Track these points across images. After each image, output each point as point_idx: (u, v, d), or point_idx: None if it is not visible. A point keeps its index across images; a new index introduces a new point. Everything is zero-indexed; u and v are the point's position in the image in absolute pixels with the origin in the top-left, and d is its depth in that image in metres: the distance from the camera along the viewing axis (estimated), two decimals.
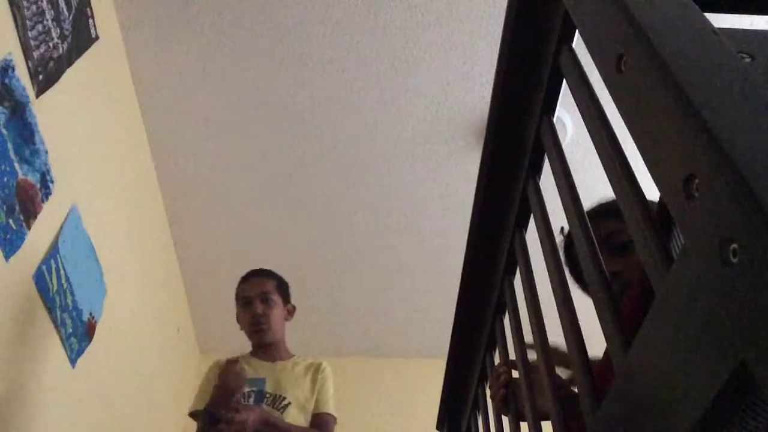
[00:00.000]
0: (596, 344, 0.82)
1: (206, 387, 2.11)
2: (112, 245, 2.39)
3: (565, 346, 0.84)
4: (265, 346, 2.19)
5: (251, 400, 2.04)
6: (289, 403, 2.04)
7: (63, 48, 1.94)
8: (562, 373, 1.08)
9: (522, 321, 1.16)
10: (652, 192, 0.60)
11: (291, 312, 2.28)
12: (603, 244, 0.79)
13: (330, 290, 3.48)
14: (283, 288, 2.27)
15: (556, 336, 0.95)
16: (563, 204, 0.87)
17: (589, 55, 0.70)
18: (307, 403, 2.09)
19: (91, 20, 2.14)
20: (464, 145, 2.84)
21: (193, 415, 2.09)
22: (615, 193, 0.68)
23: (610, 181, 0.69)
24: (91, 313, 2.17)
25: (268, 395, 2.04)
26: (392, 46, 2.50)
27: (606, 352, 0.85)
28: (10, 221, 1.67)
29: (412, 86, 2.64)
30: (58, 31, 1.91)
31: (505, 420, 1.29)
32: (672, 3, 0.58)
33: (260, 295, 2.19)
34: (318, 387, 2.13)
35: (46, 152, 1.85)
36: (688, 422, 0.48)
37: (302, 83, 2.64)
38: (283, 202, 3.11)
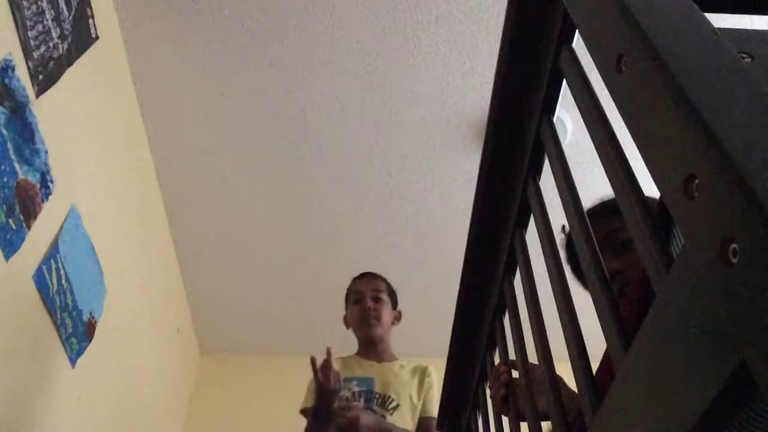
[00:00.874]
0: (596, 344, 0.82)
1: (312, 386, 2.12)
2: (112, 245, 2.39)
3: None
4: (372, 345, 2.21)
5: (361, 399, 2.06)
6: (398, 405, 2.06)
7: (63, 48, 1.94)
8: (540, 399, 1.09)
9: (522, 321, 1.16)
10: (652, 192, 0.60)
11: (398, 317, 2.33)
12: (603, 243, 0.79)
13: (330, 290, 3.46)
14: (392, 291, 2.33)
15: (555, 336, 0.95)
16: (563, 204, 0.87)
17: (589, 55, 0.70)
18: (415, 405, 2.11)
19: (91, 20, 2.14)
20: (464, 145, 2.84)
21: (303, 412, 2.11)
22: (615, 193, 0.68)
23: (610, 181, 0.69)
24: (91, 313, 2.17)
25: (377, 395, 2.05)
26: (392, 46, 2.50)
27: (606, 352, 0.85)
28: (10, 221, 1.67)
29: (412, 86, 2.64)
30: (58, 31, 1.91)
31: (505, 420, 1.29)
32: (672, 3, 0.58)
33: (372, 292, 2.25)
34: (425, 390, 2.15)
35: (46, 152, 1.85)
36: (688, 422, 0.48)
37: (302, 83, 2.64)
38: (283, 202, 3.11)
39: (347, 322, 2.32)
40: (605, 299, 0.72)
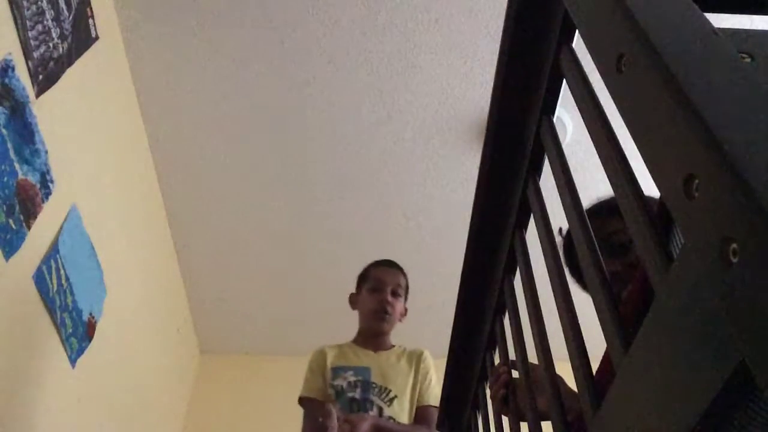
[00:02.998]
0: (596, 344, 0.82)
1: (309, 376, 2.13)
2: (112, 245, 2.39)
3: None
4: (375, 337, 2.18)
5: (358, 389, 2.03)
6: (396, 396, 2.03)
7: (63, 48, 1.94)
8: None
9: (522, 321, 1.16)
10: (652, 192, 0.60)
11: (404, 314, 2.29)
12: (602, 245, 0.79)
13: (330, 290, 3.47)
14: (408, 289, 2.29)
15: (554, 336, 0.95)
16: (563, 204, 0.86)
17: (589, 55, 0.70)
18: (413, 395, 2.09)
19: (91, 20, 2.14)
20: (464, 145, 2.84)
21: (302, 401, 2.10)
22: (615, 193, 0.68)
23: (610, 181, 0.69)
24: (91, 313, 2.17)
25: (374, 386, 2.03)
26: (392, 46, 2.50)
27: (606, 352, 0.85)
28: (10, 221, 1.67)
29: (412, 86, 2.64)
30: (58, 31, 1.91)
31: (505, 420, 1.29)
32: (672, 3, 0.58)
33: (394, 286, 2.20)
34: (421, 377, 2.13)
35: (46, 152, 1.85)
36: (688, 422, 0.48)
37: (302, 83, 2.64)
38: (283, 201, 3.11)
39: (354, 303, 2.26)
40: (605, 299, 0.72)
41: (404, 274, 2.28)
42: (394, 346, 2.23)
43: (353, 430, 1.82)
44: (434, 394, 2.10)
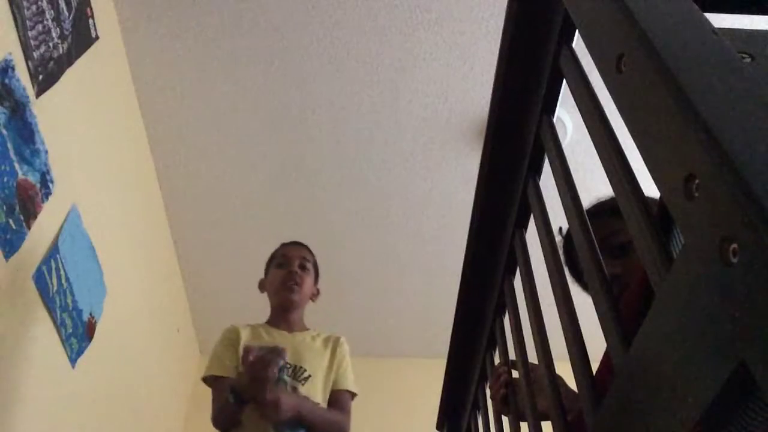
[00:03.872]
0: (596, 344, 0.82)
1: (222, 352, 2.03)
2: (112, 245, 2.39)
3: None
4: (286, 313, 2.14)
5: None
6: (309, 376, 1.99)
7: (63, 48, 1.94)
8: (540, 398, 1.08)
9: (522, 321, 1.16)
10: (652, 192, 0.60)
11: (316, 294, 2.26)
12: (601, 246, 0.79)
13: (329, 290, 3.47)
14: (317, 267, 2.27)
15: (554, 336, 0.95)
16: (563, 204, 0.87)
17: (589, 55, 0.70)
18: (327, 376, 2.05)
19: (91, 20, 2.14)
20: (464, 145, 2.84)
21: (206, 380, 2.02)
22: (615, 193, 0.68)
23: (610, 181, 0.69)
24: (91, 313, 2.17)
25: (288, 365, 1.99)
26: (392, 46, 2.50)
27: (606, 352, 0.85)
28: (10, 221, 1.67)
29: (412, 86, 2.64)
30: (58, 31, 1.91)
31: (505, 420, 1.29)
32: (672, 3, 0.58)
33: (300, 259, 2.19)
34: (337, 361, 2.09)
35: (46, 152, 1.85)
36: (689, 422, 0.48)
37: (302, 83, 2.64)
38: (282, 202, 3.11)
39: (263, 286, 2.22)
40: (605, 299, 0.72)
41: (311, 252, 2.26)
42: (309, 329, 2.19)
43: (275, 402, 1.75)
44: (350, 379, 2.07)
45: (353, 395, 2.07)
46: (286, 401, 1.78)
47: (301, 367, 1.99)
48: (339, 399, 2.03)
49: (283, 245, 2.28)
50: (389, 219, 3.17)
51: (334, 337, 2.16)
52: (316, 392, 1.97)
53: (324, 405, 1.99)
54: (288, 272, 2.14)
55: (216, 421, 1.93)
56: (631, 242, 0.63)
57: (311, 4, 2.39)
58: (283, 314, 2.14)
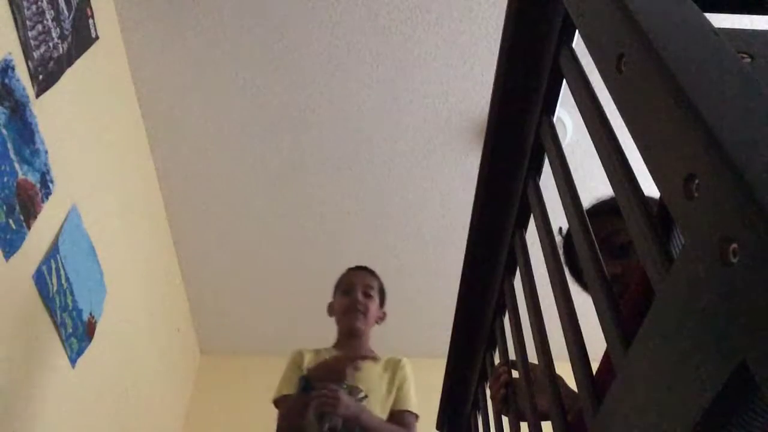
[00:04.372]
0: (596, 344, 0.82)
1: (289, 375, 2.11)
2: (112, 245, 2.39)
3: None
4: (352, 338, 2.17)
5: None
6: (366, 396, 2.01)
7: (63, 48, 1.94)
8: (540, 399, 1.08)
9: (522, 321, 1.16)
10: (652, 192, 0.60)
11: (382, 317, 2.30)
12: (601, 246, 0.79)
13: (330, 291, 3.47)
14: (383, 290, 2.31)
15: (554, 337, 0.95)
16: (563, 204, 0.87)
17: (589, 55, 0.70)
18: (386, 398, 2.07)
19: (91, 20, 2.14)
20: (464, 145, 2.84)
21: (276, 402, 2.08)
22: (615, 193, 0.68)
23: (610, 181, 0.69)
24: (91, 313, 2.17)
25: (344, 386, 2.02)
26: (392, 46, 2.50)
27: (606, 352, 0.85)
28: (10, 221, 1.67)
29: (412, 86, 2.64)
30: (58, 31, 1.91)
31: (505, 420, 1.29)
32: (672, 3, 0.58)
33: (364, 287, 2.23)
34: (398, 383, 2.12)
35: (46, 152, 1.85)
36: (688, 422, 0.48)
37: (302, 83, 2.64)
38: (282, 201, 3.11)
39: (331, 310, 2.29)
40: (605, 299, 0.72)
41: (376, 277, 2.31)
42: (374, 353, 2.20)
43: (336, 397, 1.81)
44: (412, 401, 2.10)
45: (416, 417, 2.09)
46: (346, 399, 1.84)
47: (357, 388, 2.02)
48: (400, 418, 2.05)
49: (349, 271, 2.33)
50: (389, 219, 3.17)
51: (395, 360, 2.20)
52: (372, 411, 1.99)
53: None
54: (352, 300, 2.19)
55: (281, 428, 1.98)
56: (632, 242, 0.63)
57: (311, 4, 2.39)
58: (349, 339, 2.19)
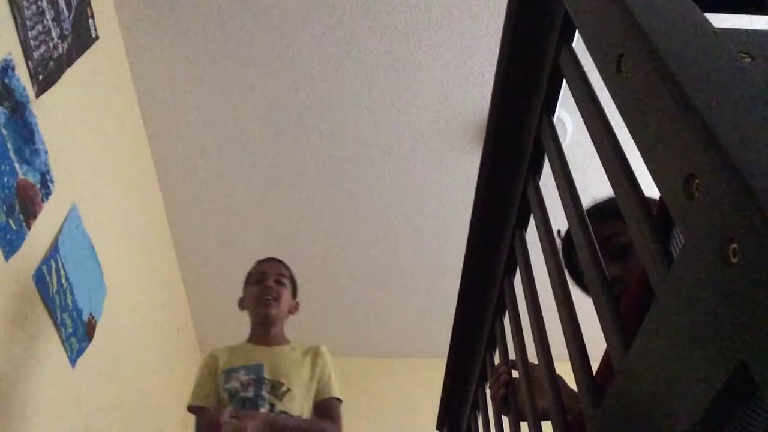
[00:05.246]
0: (596, 344, 0.82)
1: (201, 380, 2.10)
2: (112, 245, 2.39)
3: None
4: (265, 327, 2.16)
5: (250, 388, 2.00)
6: (288, 390, 2.00)
7: (63, 48, 1.94)
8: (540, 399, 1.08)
9: (522, 321, 1.16)
10: (652, 192, 0.60)
11: (295, 307, 2.28)
12: (602, 248, 0.79)
13: (330, 290, 3.48)
14: (294, 281, 2.29)
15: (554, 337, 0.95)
16: (563, 204, 0.87)
17: (589, 55, 0.70)
18: (308, 388, 2.06)
19: (91, 20, 2.14)
20: (464, 145, 2.84)
21: (192, 409, 2.07)
22: (615, 193, 0.68)
23: (610, 181, 0.69)
24: (91, 313, 2.17)
25: (266, 381, 2.00)
26: (392, 46, 2.50)
27: (606, 352, 0.85)
28: (10, 221, 1.67)
29: (412, 86, 2.64)
30: (58, 31, 1.91)
31: (505, 420, 1.29)
32: (672, 3, 0.58)
33: (276, 275, 2.21)
34: (319, 371, 2.10)
35: (46, 152, 1.85)
36: (688, 422, 0.48)
37: (302, 83, 2.64)
38: (282, 201, 3.11)
39: (243, 304, 2.26)
40: (605, 299, 0.72)
41: (287, 267, 2.29)
42: (290, 341, 2.20)
43: (241, 428, 1.79)
44: (335, 387, 2.09)
45: (340, 402, 2.08)
46: (254, 428, 1.81)
47: (279, 382, 2.01)
48: (325, 407, 2.04)
49: (258, 262, 2.32)
50: (389, 219, 3.17)
51: (314, 348, 2.18)
52: (295, 405, 1.99)
53: (306, 416, 2.01)
54: (264, 287, 2.16)
55: None
56: (632, 244, 0.63)
57: (311, 4, 2.39)
58: (263, 330, 2.17)
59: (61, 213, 1.97)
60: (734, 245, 0.42)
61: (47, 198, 1.85)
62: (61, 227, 1.96)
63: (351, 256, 3.34)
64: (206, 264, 3.39)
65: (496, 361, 1.38)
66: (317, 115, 2.75)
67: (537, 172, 1.09)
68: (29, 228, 1.76)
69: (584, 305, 0.89)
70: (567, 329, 0.84)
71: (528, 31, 0.98)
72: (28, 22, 1.74)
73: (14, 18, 1.67)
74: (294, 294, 2.27)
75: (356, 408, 3.08)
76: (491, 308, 1.37)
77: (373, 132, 2.81)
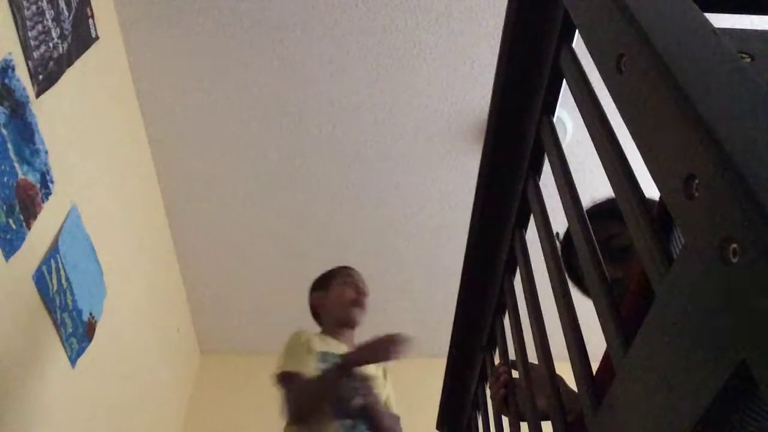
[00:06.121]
0: (596, 344, 0.82)
1: (298, 351, 2.00)
2: (112, 245, 2.39)
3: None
4: (348, 330, 2.15)
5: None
6: (374, 381, 2.05)
7: (63, 48, 1.94)
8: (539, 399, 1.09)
9: (522, 321, 1.16)
10: (652, 192, 0.60)
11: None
12: (601, 249, 0.79)
13: None
14: None
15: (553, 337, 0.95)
16: (563, 204, 0.87)
17: (589, 55, 0.70)
18: (382, 391, 2.09)
19: (91, 20, 2.14)
20: (464, 144, 2.84)
21: (286, 376, 1.96)
22: (615, 193, 0.68)
23: (610, 181, 0.69)
24: (91, 313, 2.17)
25: (356, 371, 2.01)
26: (392, 46, 2.50)
27: (606, 352, 0.85)
28: (10, 221, 1.67)
29: (412, 86, 2.64)
30: (58, 31, 1.91)
31: (505, 420, 1.29)
32: (672, 3, 0.58)
33: (363, 284, 2.22)
34: (389, 383, 2.15)
35: (46, 152, 1.85)
36: (688, 422, 0.48)
37: (302, 83, 2.64)
38: (282, 201, 3.11)
39: (322, 302, 2.21)
40: (605, 299, 0.72)
41: None
42: None
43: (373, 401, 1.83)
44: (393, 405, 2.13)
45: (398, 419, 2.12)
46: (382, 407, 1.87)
47: (367, 374, 2.02)
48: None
49: (342, 267, 2.30)
50: (389, 219, 3.17)
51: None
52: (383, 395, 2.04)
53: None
54: (358, 291, 2.16)
55: (301, 405, 1.91)
56: (632, 245, 0.63)
57: (311, 4, 2.39)
58: (345, 331, 2.16)
59: (61, 213, 1.97)
60: (734, 245, 0.42)
61: (47, 198, 1.85)
62: (61, 227, 1.96)
63: (350, 256, 3.34)
64: (206, 264, 3.39)
65: (496, 361, 1.38)
66: (317, 114, 2.75)
67: (537, 172, 1.09)
68: (29, 228, 1.76)
69: (584, 305, 0.89)
70: (567, 329, 0.84)
71: (528, 31, 0.98)
72: (28, 22, 1.74)
73: (14, 18, 1.67)
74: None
75: None
76: (491, 308, 1.37)
77: (372, 132, 2.81)
